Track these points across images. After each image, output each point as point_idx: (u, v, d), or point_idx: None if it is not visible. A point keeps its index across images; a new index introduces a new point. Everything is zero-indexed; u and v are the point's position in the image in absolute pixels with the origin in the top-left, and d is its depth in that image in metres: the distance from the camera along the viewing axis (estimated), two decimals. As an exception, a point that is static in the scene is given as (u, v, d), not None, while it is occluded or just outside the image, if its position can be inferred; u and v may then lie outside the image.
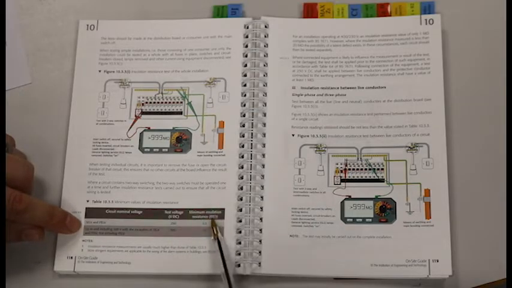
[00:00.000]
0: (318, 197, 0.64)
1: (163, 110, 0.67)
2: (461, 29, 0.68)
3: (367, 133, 0.65)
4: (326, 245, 0.63)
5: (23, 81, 0.69)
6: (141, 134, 0.67)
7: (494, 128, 0.65)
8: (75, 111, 0.67)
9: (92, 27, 0.70)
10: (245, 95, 0.67)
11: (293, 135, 0.66)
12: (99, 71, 0.69)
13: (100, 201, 0.65)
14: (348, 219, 0.63)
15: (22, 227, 0.60)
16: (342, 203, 0.64)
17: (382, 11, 0.69)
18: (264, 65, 0.67)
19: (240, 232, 0.63)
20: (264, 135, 0.66)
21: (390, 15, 0.69)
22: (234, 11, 0.70)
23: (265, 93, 0.67)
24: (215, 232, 0.62)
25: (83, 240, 0.64)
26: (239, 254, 0.63)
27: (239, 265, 0.62)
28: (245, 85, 0.67)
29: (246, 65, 0.67)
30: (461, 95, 0.66)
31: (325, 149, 0.65)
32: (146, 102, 0.68)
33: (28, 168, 0.60)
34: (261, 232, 0.63)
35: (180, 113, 0.67)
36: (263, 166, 0.65)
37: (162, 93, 0.68)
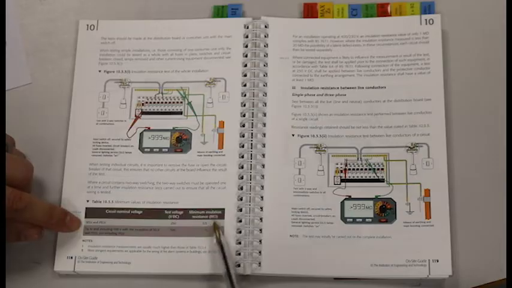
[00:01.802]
0: (318, 197, 0.64)
1: (163, 110, 0.67)
2: (461, 29, 0.68)
3: (367, 133, 0.65)
4: (326, 245, 0.63)
5: (23, 81, 0.69)
6: (141, 134, 0.67)
7: (495, 128, 0.65)
8: (75, 111, 0.67)
9: (92, 27, 0.70)
10: (245, 95, 0.67)
11: (293, 135, 0.66)
12: (99, 71, 0.69)
13: (100, 201, 0.65)
14: (348, 219, 0.63)
15: (21, 226, 0.60)
16: (342, 203, 0.64)
17: (382, 11, 0.69)
18: (264, 65, 0.67)
19: (240, 232, 0.63)
20: (264, 135, 0.66)
21: (390, 15, 0.69)
22: (234, 11, 0.70)
23: (265, 93, 0.67)
24: (218, 235, 0.62)
25: (83, 240, 0.64)
26: (239, 254, 0.63)
27: (239, 265, 0.62)
28: (245, 85, 0.67)
29: (246, 65, 0.67)
30: (461, 95, 0.66)
31: (325, 149, 0.65)
32: (146, 102, 0.68)
33: (27, 168, 0.60)
34: (261, 232, 0.63)
35: (180, 113, 0.67)
36: (263, 166, 0.65)
37: (162, 93, 0.68)
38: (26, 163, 0.61)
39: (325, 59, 0.68)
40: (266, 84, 0.67)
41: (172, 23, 0.70)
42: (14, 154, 0.62)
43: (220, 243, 0.61)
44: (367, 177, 0.64)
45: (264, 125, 0.66)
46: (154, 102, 0.67)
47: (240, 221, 0.63)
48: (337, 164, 0.65)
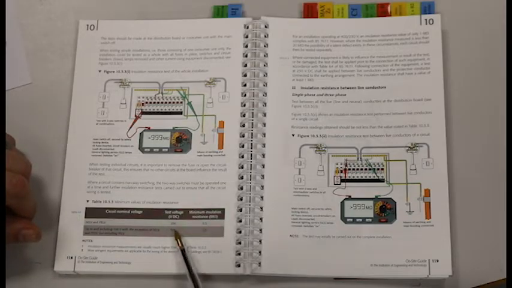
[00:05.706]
0: (318, 197, 0.64)
1: (163, 110, 0.67)
2: (461, 29, 0.68)
3: (367, 133, 0.65)
4: (326, 245, 0.63)
5: (23, 81, 0.69)
6: (141, 134, 0.67)
7: (494, 128, 0.65)
8: (75, 111, 0.67)
9: (92, 27, 0.70)
10: (245, 95, 0.67)
11: (293, 135, 0.66)
12: (99, 71, 0.69)
13: (100, 201, 0.65)
14: (348, 219, 0.63)
15: (19, 227, 0.60)
16: (342, 203, 0.64)
17: (382, 11, 0.69)
18: (264, 65, 0.67)
19: (240, 232, 0.63)
20: (264, 135, 0.66)
21: (390, 15, 0.69)
22: (234, 11, 0.70)
23: (265, 93, 0.67)
24: (180, 244, 0.62)
25: (83, 240, 0.64)
26: (239, 254, 0.63)
27: (239, 265, 0.62)
28: (245, 85, 0.67)
29: (246, 65, 0.67)
30: (461, 95, 0.66)
31: (325, 149, 0.65)
32: (146, 102, 0.68)
33: (26, 165, 0.60)
34: (261, 232, 0.63)
35: (180, 113, 0.67)
36: (263, 166, 0.65)
37: (162, 93, 0.68)
38: (25, 160, 0.61)
39: (325, 59, 0.68)
40: (266, 84, 0.67)
41: (172, 23, 0.70)
42: (13, 151, 0.62)
43: (183, 251, 0.61)
44: (367, 177, 0.64)
45: (264, 125, 0.66)
46: (154, 102, 0.67)
47: (240, 221, 0.63)
48: (337, 164, 0.65)
